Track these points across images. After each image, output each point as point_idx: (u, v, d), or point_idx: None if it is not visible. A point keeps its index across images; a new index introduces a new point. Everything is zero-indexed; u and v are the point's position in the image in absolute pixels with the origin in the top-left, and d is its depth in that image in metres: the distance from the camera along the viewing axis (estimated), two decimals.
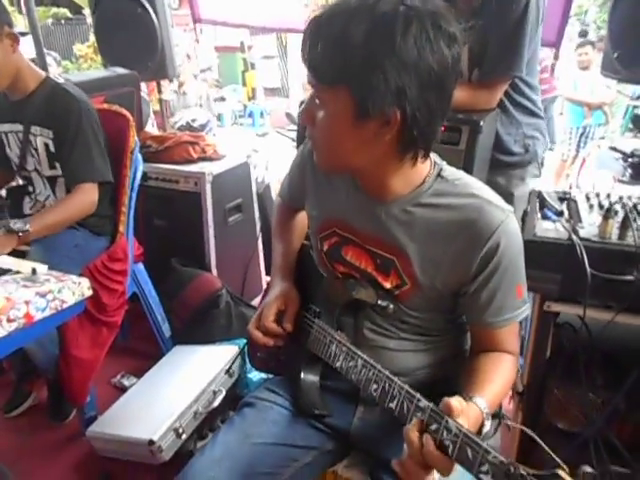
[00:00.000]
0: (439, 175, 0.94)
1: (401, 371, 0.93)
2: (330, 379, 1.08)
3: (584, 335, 1.20)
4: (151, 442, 1.46)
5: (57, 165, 1.66)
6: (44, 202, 1.74)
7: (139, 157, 1.80)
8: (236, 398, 1.80)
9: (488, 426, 0.82)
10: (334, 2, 0.81)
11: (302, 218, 1.28)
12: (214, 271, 2.24)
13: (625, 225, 1.08)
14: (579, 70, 5.12)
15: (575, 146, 5.13)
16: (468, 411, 0.78)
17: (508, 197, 1.64)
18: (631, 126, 6.69)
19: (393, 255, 0.96)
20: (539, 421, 1.29)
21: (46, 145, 1.64)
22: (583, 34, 7.31)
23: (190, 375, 1.76)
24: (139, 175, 1.79)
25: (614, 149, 4.07)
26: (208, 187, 2.11)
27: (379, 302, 1.01)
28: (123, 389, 1.93)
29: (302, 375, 1.08)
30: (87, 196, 1.61)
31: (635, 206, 1.19)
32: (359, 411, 1.07)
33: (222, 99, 7.62)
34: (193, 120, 4.29)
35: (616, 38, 1.82)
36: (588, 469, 0.59)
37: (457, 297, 0.97)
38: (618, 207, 1.15)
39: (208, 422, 1.71)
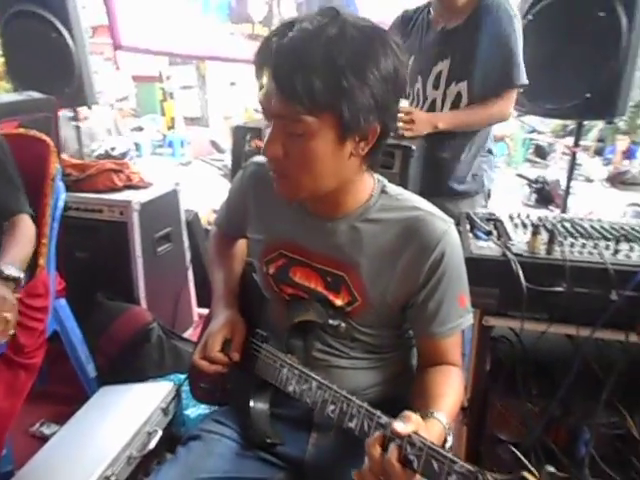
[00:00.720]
0: (383, 191, 0.97)
1: (353, 390, 0.92)
2: (280, 406, 1.05)
3: (519, 347, 1.27)
4: None
5: None
6: None
7: (61, 185, 1.69)
8: (173, 438, 1.70)
9: (450, 441, 0.83)
10: (281, 31, 0.81)
11: (240, 245, 1.27)
12: (143, 304, 2.13)
13: (552, 241, 1.16)
14: None
15: None
16: (431, 427, 0.79)
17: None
18: (529, 156, 7.32)
19: (343, 272, 0.97)
20: (483, 434, 1.33)
21: None
22: None
23: (121, 417, 1.64)
24: (61, 204, 1.68)
25: (521, 176, 4.43)
26: (135, 216, 2.02)
27: (330, 321, 1.00)
28: (44, 438, 1.75)
29: (251, 403, 1.04)
30: (30, 226, 1.46)
31: (555, 225, 1.29)
32: (313, 437, 1.05)
33: (140, 129, 7.41)
34: (112, 148, 4.12)
35: None
36: (551, 469, 0.61)
37: (405, 310, 0.99)
38: (541, 225, 1.23)
39: (143, 467, 1.59)
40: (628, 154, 8.78)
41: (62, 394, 1.99)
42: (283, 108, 0.81)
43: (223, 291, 1.16)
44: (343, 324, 1.00)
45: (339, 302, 0.98)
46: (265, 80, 0.83)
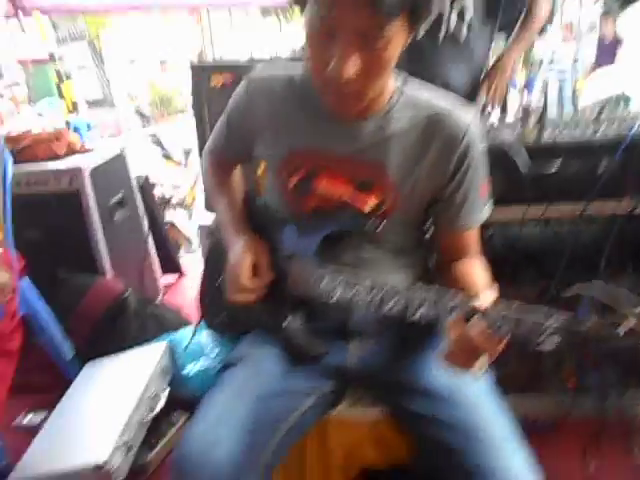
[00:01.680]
0: (405, 85, 0.95)
1: None
2: (314, 320, 1.04)
3: (511, 237, 1.34)
4: (102, 464, 1.25)
5: None
6: None
7: (6, 152, 1.52)
8: (175, 399, 1.64)
9: None
10: None
11: (237, 172, 1.22)
12: (109, 274, 2.00)
13: (541, 127, 1.22)
14: None
15: None
16: None
17: None
18: None
19: (371, 174, 0.95)
20: None
21: None
22: None
23: (119, 385, 1.55)
24: (10, 173, 1.52)
25: None
26: (88, 182, 1.87)
27: (360, 228, 0.99)
28: (34, 427, 1.63)
29: (287, 321, 1.02)
30: None
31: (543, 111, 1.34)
32: (353, 345, 1.05)
33: (39, 115, 6.80)
34: (27, 132, 3.75)
35: None
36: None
37: (430, 206, 1.00)
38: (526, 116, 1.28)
39: (154, 430, 1.52)
40: (528, 86, 9.37)
41: (38, 383, 1.84)
42: (369, 23, 0.73)
43: (231, 218, 1.11)
44: (373, 229, 0.99)
45: (368, 206, 0.97)
46: None
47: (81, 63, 8.52)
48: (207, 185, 1.20)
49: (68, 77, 7.62)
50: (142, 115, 4.70)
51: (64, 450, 1.36)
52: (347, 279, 0.92)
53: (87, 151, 2.03)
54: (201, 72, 1.55)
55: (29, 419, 1.71)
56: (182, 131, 4.38)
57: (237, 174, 1.23)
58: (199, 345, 1.73)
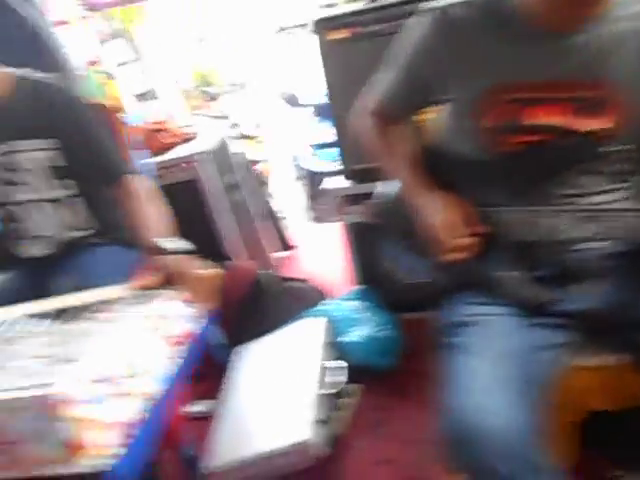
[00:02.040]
0: None
1: None
2: (532, 270, 0.95)
3: None
4: (307, 441, 1.24)
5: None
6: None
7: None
8: None
9: None
10: None
11: (403, 127, 1.12)
12: (237, 258, 1.98)
13: None
14: None
15: None
16: None
17: None
18: None
19: (594, 92, 0.84)
20: None
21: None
22: None
23: (288, 363, 1.52)
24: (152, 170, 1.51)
25: None
26: (206, 168, 1.83)
27: (581, 156, 0.89)
28: (203, 416, 1.64)
29: (510, 273, 0.94)
30: (149, 184, 1.28)
31: None
32: (580, 288, 0.95)
33: None
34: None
35: None
36: None
37: None
38: None
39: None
40: None
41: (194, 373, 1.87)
42: None
43: (416, 177, 1.02)
44: (596, 155, 0.89)
45: (591, 130, 0.86)
46: None
47: (121, 60, 8.57)
48: (373, 147, 1.11)
49: (112, 77, 7.70)
50: (209, 94, 4.66)
51: (254, 433, 1.36)
52: (585, 215, 0.83)
53: (192, 138, 1.99)
54: (324, 26, 1.46)
55: (196, 408, 1.72)
56: (244, 106, 4.30)
57: (404, 129, 1.13)
58: (348, 314, 1.69)
